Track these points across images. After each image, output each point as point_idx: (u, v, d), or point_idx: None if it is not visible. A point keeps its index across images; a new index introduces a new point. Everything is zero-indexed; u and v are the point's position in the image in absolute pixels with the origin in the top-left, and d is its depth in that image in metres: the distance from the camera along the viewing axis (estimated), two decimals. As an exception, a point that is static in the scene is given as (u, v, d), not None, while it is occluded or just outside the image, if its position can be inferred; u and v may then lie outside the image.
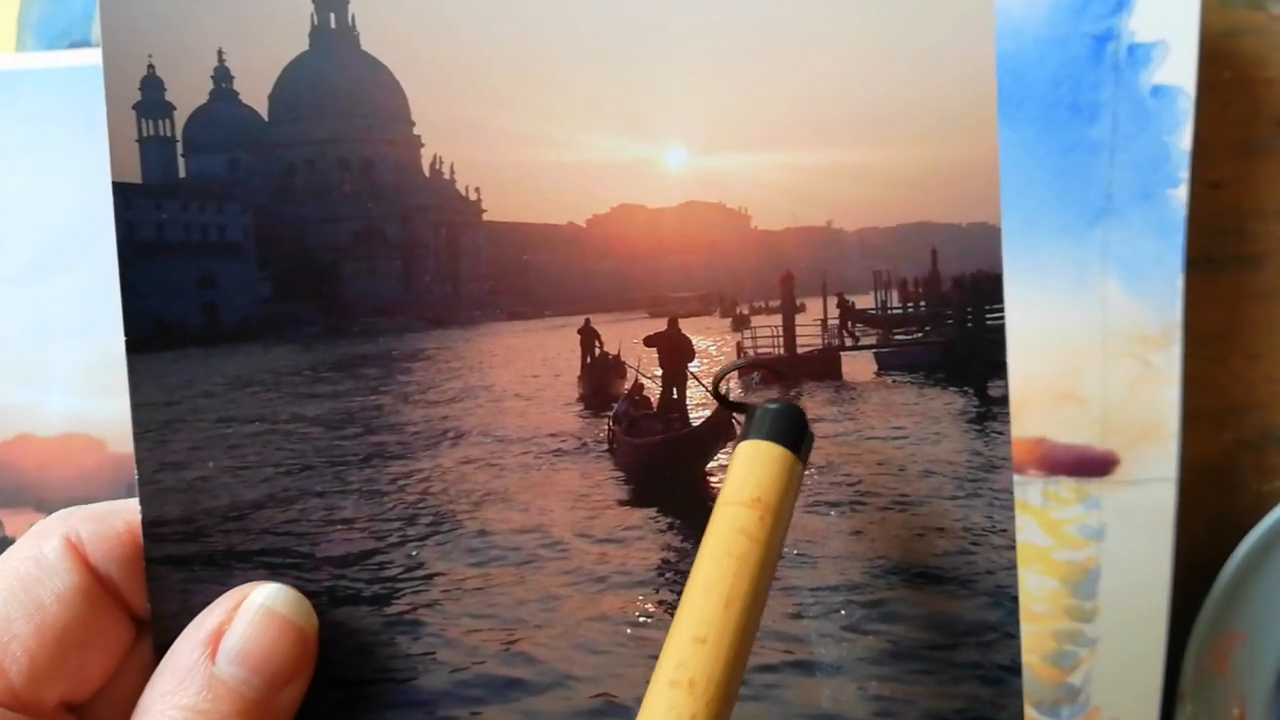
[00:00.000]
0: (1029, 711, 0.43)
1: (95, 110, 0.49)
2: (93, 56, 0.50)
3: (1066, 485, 0.42)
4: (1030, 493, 0.42)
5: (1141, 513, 0.42)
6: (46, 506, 0.52)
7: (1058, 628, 0.43)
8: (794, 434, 0.32)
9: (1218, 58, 0.46)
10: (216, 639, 0.36)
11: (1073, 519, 0.43)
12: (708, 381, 0.35)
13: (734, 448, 0.32)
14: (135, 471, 0.39)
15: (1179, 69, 0.41)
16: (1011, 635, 0.39)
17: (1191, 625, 0.45)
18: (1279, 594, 0.45)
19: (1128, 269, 0.41)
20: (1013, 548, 0.39)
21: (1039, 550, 0.42)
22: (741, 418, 0.34)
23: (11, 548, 0.38)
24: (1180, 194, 0.41)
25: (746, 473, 0.31)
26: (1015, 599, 0.39)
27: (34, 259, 0.50)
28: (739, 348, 0.43)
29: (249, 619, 0.37)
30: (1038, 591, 0.42)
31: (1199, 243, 0.45)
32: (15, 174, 0.50)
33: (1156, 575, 0.42)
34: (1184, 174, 0.41)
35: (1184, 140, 0.41)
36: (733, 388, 0.42)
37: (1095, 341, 0.41)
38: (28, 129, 0.49)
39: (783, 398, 0.36)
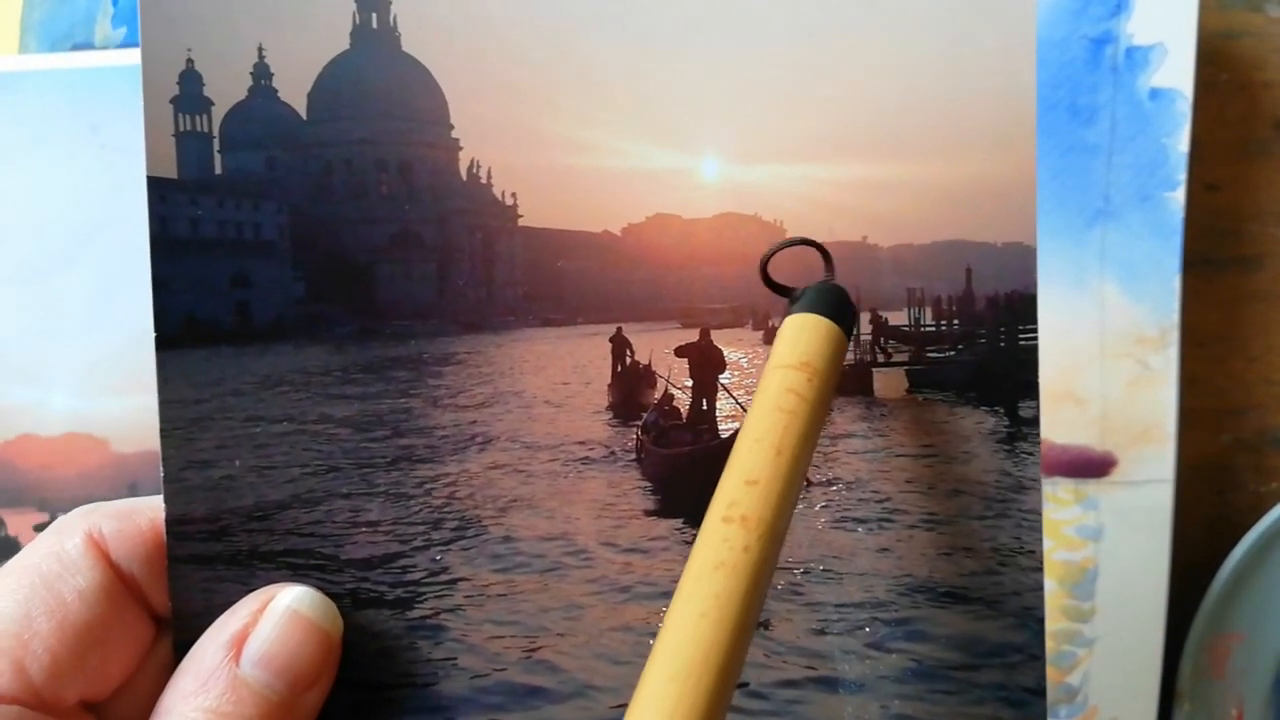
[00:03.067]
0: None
1: (98, 112, 0.49)
2: (95, 59, 0.50)
3: (1064, 486, 0.42)
4: (1028, 493, 0.42)
5: (1139, 513, 0.42)
6: (48, 506, 0.52)
7: (1056, 628, 0.43)
8: (839, 309, 0.33)
9: (1215, 60, 0.46)
10: (241, 641, 0.35)
11: (1071, 520, 0.42)
12: (757, 263, 0.36)
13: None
14: (161, 468, 0.38)
15: (1177, 71, 0.41)
16: (1036, 657, 0.38)
17: (1189, 626, 0.44)
18: (1277, 594, 0.44)
19: (1126, 270, 0.41)
20: (1040, 569, 0.39)
21: (1038, 550, 0.42)
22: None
23: (32, 544, 0.37)
24: (1178, 196, 0.41)
25: (795, 339, 0.32)
26: (1041, 621, 0.38)
27: (36, 259, 0.50)
28: (770, 361, 0.43)
29: (274, 621, 0.36)
30: (1036, 591, 0.42)
31: (1197, 244, 0.45)
32: (17, 174, 0.50)
33: (1154, 576, 0.42)
34: (1182, 176, 0.41)
35: (1182, 142, 0.41)
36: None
37: (1093, 343, 0.41)
38: (30, 130, 0.49)
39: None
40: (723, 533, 0.28)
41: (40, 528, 0.52)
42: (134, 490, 0.51)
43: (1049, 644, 0.42)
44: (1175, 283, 0.41)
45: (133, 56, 0.49)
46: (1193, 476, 0.46)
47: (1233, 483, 0.48)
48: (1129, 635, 0.42)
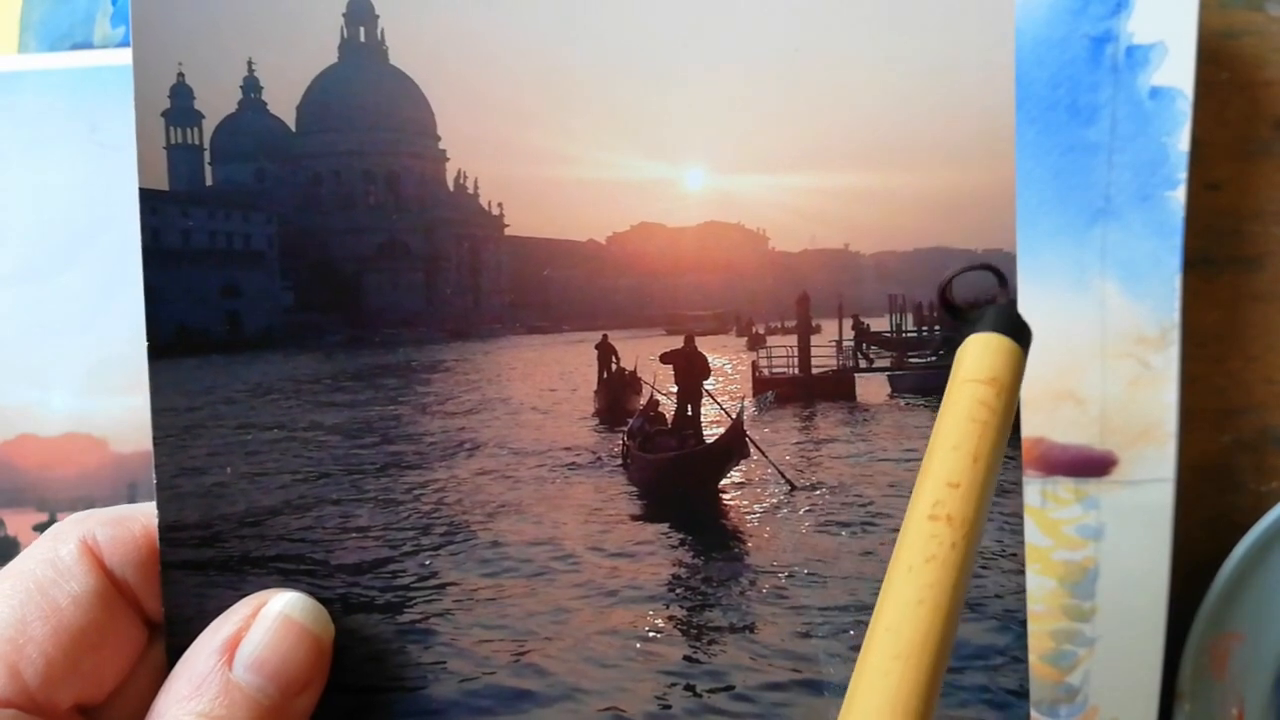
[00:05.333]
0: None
1: (96, 111, 0.49)
2: (94, 58, 0.50)
3: (1065, 485, 0.42)
4: (1029, 493, 0.41)
5: (1140, 513, 0.42)
6: (48, 506, 0.52)
7: (1056, 627, 0.42)
8: (1019, 330, 0.34)
9: (1216, 59, 0.46)
10: (233, 646, 0.35)
11: (1071, 519, 0.42)
12: (935, 291, 0.37)
13: (953, 349, 0.33)
14: (153, 475, 0.38)
15: (1177, 70, 0.41)
16: (1019, 660, 0.38)
17: (1190, 625, 0.44)
18: (1277, 594, 0.44)
19: (1126, 270, 0.41)
20: (1022, 572, 0.39)
21: (1037, 550, 0.42)
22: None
23: (27, 550, 0.37)
24: (1178, 195, 0.41)
25: (981, 356, 0.33)
26: (1024, 623, 0.38)
27: (35, 259, 0.50)
28: (754, 367, 0.43)
29: (267, 626, 0.36)
30: (1036, 591, 0.42)
31: (1197, 244, 0.45)
32: (17, 174, 0.50)
33: (1155, 575, 0.42)
34: (1182, 175, 0.41)
35: (1182, 141, 0.41)
36: (748, 406, 0.42)
37: (1094, 342, 0.41)
38: (29, 130, 0.49)
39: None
40: (930, 529, 0.29)
41: (40, 527, 0.53)
42: (133, 489, 0.52)
43: (1049, 644, 0.42)
44: (1176, 282, 0.41)
45: (131, 56, 0.50)
46: (1193, 476, 0.46)
47: (1233, 482, 0.47)
48: (1129, 635, 0.42)
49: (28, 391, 0.51)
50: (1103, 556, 0.42)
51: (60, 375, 0.51)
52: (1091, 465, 0.42)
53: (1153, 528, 0.42)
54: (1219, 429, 0.47)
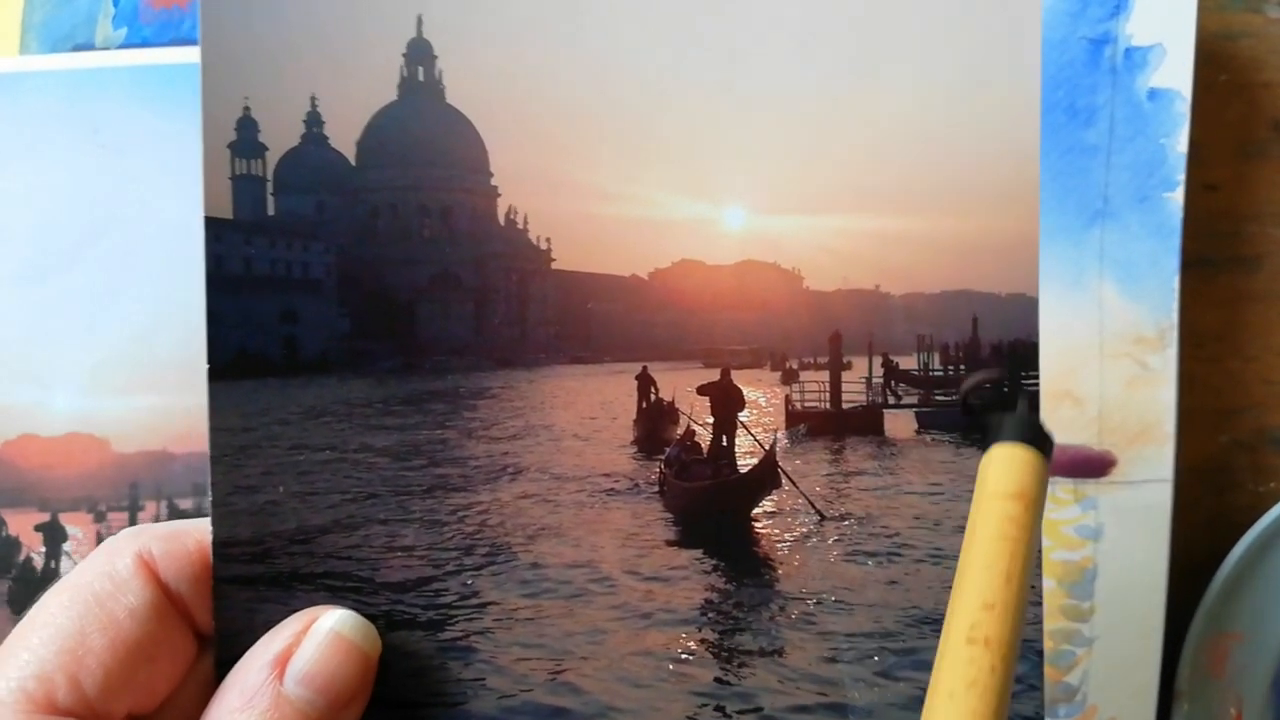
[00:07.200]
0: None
1: (98, 112, 0.49)
2: (96, 59, 0.50)
3: (1063, 486, 0.42)
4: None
5: (1138, 513, 0.42)
6: (49, 506, 0.52)
7: (1055, 627, 0.42)
8: (1041, 439, 0.34)
9: (1214, 61, 0.46)
10: (285, 660, 0.36)
11: (1070, 519, 0.42)
12: (957, 394, 0.37)
13: (983, 451, 0.34)
14: (210, 493, 0.39)
15: (1176, 72, 0.40)
16: (1035, 687, 0.40)
17: (1188, 625, 0.44)
18: (1276, 594, 0.44)
19: (1124, 271, 0.41)
20: (1040, 603, 0.40)
21: (1036, 549, 0.42)
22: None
23: (82, 564, 0.38)
24: (1177, 196, 0.41)
25: (1008, 470, 0.33)
26: (1040, 653, 0.40)
27: (37, 259, 0.50)
28: (787, 400, 0.44)
29: (318, 642, 0.37)
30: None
31: (1195, 245, 0.44)
32: (18, 175, 0.50)
33: (1153, 575, 0.42)
34: (1180, 176, 0.40)
35: (1180, 143, 0.41)
36: (780, 438, 0.43)
37: (1092, 343, 0.41)
38: (31, 131, 0.49)
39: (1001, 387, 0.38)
40: (968, 654, 0.30)
41: (41, 527, 0.53)
42: (134, 489, 0.52)
43: (1047, 644, 0.42)
44: (1174, 283, 0.41)
45: (133, 57, 0.49)
46: (1191, 476, 0.46)
47: (1231, 482, 0.47)
48: (1128, 635, 0.42)
49: (29, 391, 0.51)
50: (1101, 557, 0.42)
51: (62, 375, 0.51)
52: (1090, 466, 0.42)
53: (1151, 528, 0.42)
54: (1217, 429, 0.47)
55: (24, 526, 0.53)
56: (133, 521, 0.53)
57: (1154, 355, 0.41)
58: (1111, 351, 0.41)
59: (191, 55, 0.48)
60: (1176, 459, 0.42)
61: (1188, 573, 0.44)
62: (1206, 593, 0.44)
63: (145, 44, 0.52)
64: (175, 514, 0.53)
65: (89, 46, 0.52)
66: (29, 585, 0.53)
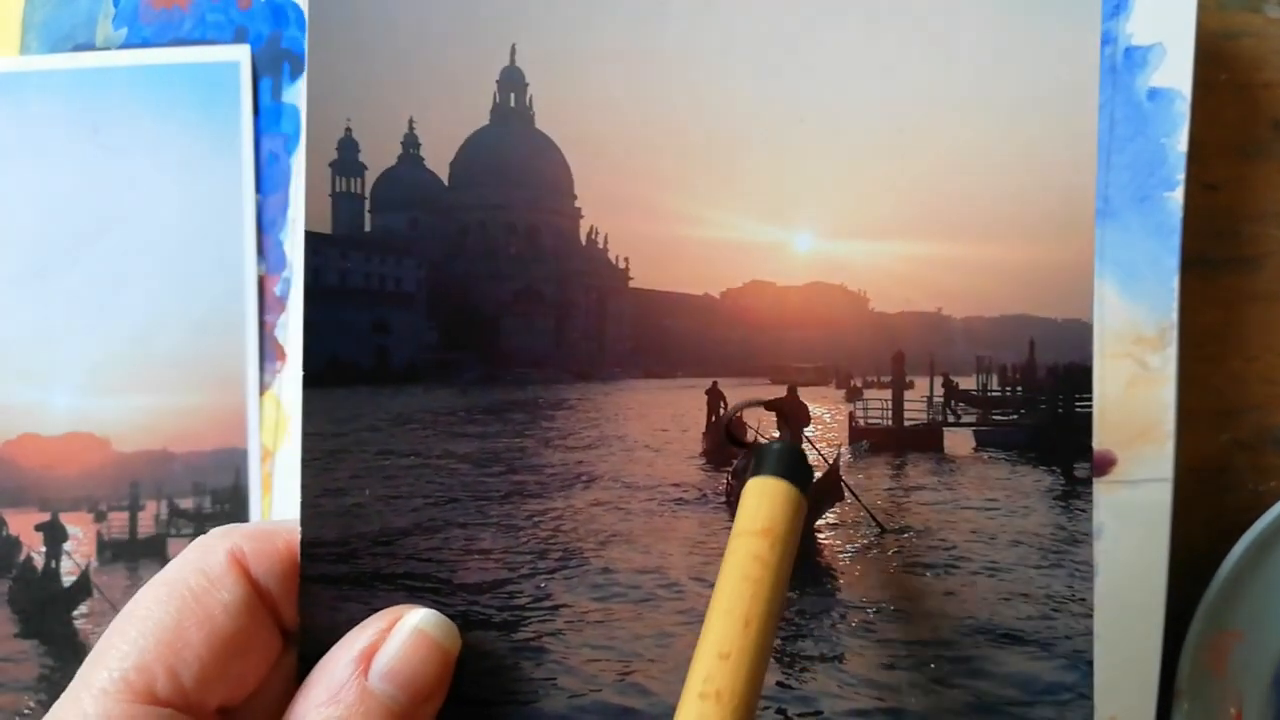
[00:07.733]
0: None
1: (99, 112, 0.49)
2: (96, 59, 0.50)
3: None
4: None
5: (1138, 512, 0.42)
6: (50, 505, 0.53)
7: None
8: (797, 470, 0.34)
9: (1215, 60, 0.45)
10: (369, 656, 0.37)
11: None
12: (721, 420, 0.38)
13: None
14: (300, 495, 0.41)
15: (1176, 71, 0.40)
16: (1085, 696, 0.41)
17: (1188, 624, 0.44)
18: (1276, 593, 0.44)
19: (1124, 270, 0.41)
20: (1090, 615, 0.41)
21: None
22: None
23: (174, 561, 0.39)
24: (1177, 196, 0.40)
25: (757, 505, 0.33)
26: (1091, 663, 0.41)
27: (37, 259, 0.50)
28: (851, 417, 0.46)
29: (402, 639, 0.38)
30: (1035, 591, 0.41)
31: (1195, 245, 0.44)
32: (19, 175, 0.50)
33: (1153, 574, 0.42)
34: (1180, 176, 0.40)
35: (1180, 142, 0.40)
36: (844, 453, 0.45)
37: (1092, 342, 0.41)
38: (31, 131, 0.50)
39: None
40: (699, 710, 0.29)
41: (41, 527, 0.54)
42: (135, 489, 0.52)
43: None
44: (1174, 283, 0.41)
45: (134, 58, 0.50)
46: (1191, 476, 0.46)
47: (1231, 482, 0.47)
48: (1128, 634, 0.42)
49: (30, 391, 0.51)
50: (1101, 556, 0.42)
51: (62, 375, 0.51)
52: (1090, 465, 0.42)
53: (1151, 527, 0.42)
54: (1217, 429, 0.47)
55: (24, 526, 0.53)
56: (133, 521, 0.54)
57: (1154, 355, 0.41)
58: (1111, 351, 0.42)
59: (192, 55, 0.50)
60: (1176, 459, 0.42)
61: (1188, 572, 0.44)
62: (1206, 591, 0.44)
63: (145, 44, 0.52)
64: (175, 513, 0.53)
65: (89, 46, 0.52)
66: (29, 585, 0.53)
